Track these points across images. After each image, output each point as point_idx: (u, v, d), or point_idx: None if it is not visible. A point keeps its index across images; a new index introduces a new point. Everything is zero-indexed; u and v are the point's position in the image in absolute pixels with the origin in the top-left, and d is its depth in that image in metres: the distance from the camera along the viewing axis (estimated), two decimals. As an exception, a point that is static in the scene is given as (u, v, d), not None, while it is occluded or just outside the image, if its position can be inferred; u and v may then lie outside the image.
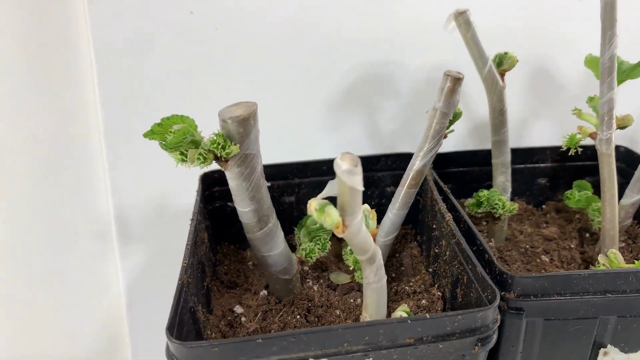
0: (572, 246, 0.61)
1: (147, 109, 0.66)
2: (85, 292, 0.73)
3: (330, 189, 0.36)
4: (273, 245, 0.51)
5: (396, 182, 0.54)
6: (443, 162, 0.65)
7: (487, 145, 0.61)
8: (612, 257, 0.50)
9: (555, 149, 0.66)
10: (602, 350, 0.47)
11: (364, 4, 0.66)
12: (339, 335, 0.38)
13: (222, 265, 0.60)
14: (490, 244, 0.59)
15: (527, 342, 0.47)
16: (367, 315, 0.45)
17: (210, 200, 0.61)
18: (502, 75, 0.55)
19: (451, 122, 0.51)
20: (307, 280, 0.58)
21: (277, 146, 0.67)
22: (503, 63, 0.54)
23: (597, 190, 0.59)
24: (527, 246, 0.60)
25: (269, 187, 0.49)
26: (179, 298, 0.42)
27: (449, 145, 0.69)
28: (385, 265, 0.57)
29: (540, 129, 0.72)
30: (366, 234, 0.38)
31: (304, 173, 0.61)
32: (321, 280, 0.58)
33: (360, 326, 0.38)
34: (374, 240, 0.41)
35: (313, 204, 0.35)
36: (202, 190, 0.58)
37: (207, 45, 0.65)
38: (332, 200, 0.36)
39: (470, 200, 0.58)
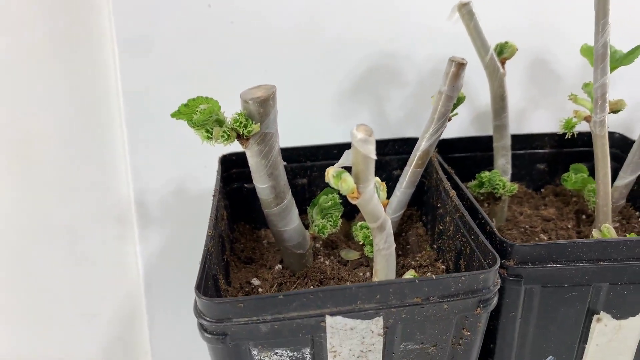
0: (569, 226, 0.64)
1: (166, 96, 0.70)
2: (106, 273, 0.77)
3: (345, 159, 0.39)
4: (289, 220, 0.55)
5: (402, 166, 0.58)
6: (447, 148, 0.69)
7: (489, 132, 0.65)
8: (605, 231, 0.53)
9: (553, 136, 0.70)
10: (595, 317, 0.50)
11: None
12: (352, 293, 0.42)
13: (238, 243, 0.64)
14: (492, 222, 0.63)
15: (526, 309, 0.50)
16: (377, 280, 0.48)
17: (229, 181, 0.64)
18: (503, 63, 0.58)
19: (455, 106, 0.55)
20: (319, 256, 0.62)
21: (292, 133, 0.71)
22: (504, 52, 0.58)
23: (592, 173, 0.62)
24: (527, 226, 0.64)
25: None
26: (204, 263, 0.46)
27: (452, 132, 0.73)
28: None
29: (539, 116, 0.75)
30: (377, 202, 0.42)
31: (315, 156, 0.65)
32: (332, 257, 0.62)
33: (372, 285, 0.42)
34: (385, 210, 0.45)
35: (330, 172, 0.39)
36: (222, 172, 0.62)
37: (223, 38, 0.69)
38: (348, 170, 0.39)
39: (472, 182, 0.62)
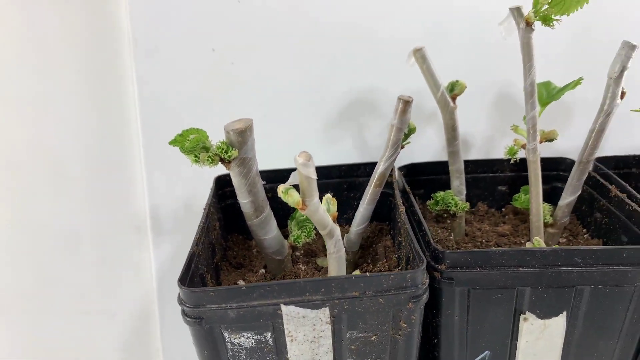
0: (522, 241, 0.72)
1: (177, 123, 0.82)
2: (124, 275, 0.89)
3: (293, 179, 0.50)
4: (268, 230, 0.66)
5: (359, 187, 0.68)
6: (417, 171, 0.79)
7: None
8: (536, 243, 0.62)
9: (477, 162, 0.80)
10: (522, 317, 0.59)
11: (355, 43, 0.80)
12: (302, 286, 0.52)
13: (232, 251, 0.75)
14: (451, 237, 0.72)
15: (461, 308, 0.59)
16: (332, 281, 0.58)
17: (224, 198, 0.76)
18: (454, 98, 0.68)
19: (407, 136, 0.65)
20: (298, 263, 0.72)
21: (283, 156, 0.82)
22: (455, 89, 0.68)
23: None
24: (483, 240, 0.72)
25: (267, 188, 0.64)
26: (189, 262, 0.57)
27: (425, 157, 0.83)
28: (363, 254, 0.71)
29: (505, 143, 0.84)
30: (324, 213, 0.52)
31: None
32: (309, 264, 0.72)
33: (317, 280, 0.52)
34: (335, 221, 0.55)
35: (280, 188, 0.49)
36: (216, 190, 0.73)
37: (225, 77, 0.81)
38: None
39: (430, 201, 0.71)
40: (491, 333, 0.60)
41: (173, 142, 0.59)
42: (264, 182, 0.64)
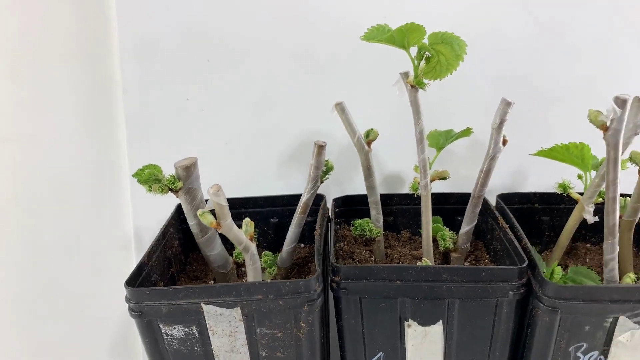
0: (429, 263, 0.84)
1: (159, 157, 0.99)
2: (113, 285, 1.05)
3: (209, 204, 0.65)
4: (213, 247, 0.81)
5: (313, 213, 0.83)
6: (352, 202, 0.92)
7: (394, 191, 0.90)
8: (424, 263, 0.74)
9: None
10: (406, 323, 0.71)
11: (303, 98, 0.96)
12: (217, 290, 0.66)
13: (191, 266, 0.90)
14: (371, 258, 0.85)
15: (356, 314, 0.71)
16: (253, 289, 0.72)
17: (184, 221, 0.91)
18: (369, 143, 0.82)
19: (325, 173, 0.79)
20: (244, 277, 0.86)
21: (247, 187, 0.98)
22: (369, 135, 0.82)
23: (445, 223, 0.84)
24: (399, 261, 0.85)
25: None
26: (139, 270, 0.72)
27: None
28: (299, 271, 0.85)
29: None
30: (238, 231, 0.67)
31: (247, 205, 0.91)
32: (253, 278, 0.86)
33: (229, 285, 0.66)
34: (252, 240, 0.70)
35: (198, 212, 0.65)
36: (178, 214, 0.89)
37: (199, 121, 0.99)
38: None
39: (352, 227, 0.85)
40: (383, 336, 0.73)
41: (135, 175, 0.76)
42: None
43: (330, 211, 0.93)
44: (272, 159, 1.00)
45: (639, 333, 0.66)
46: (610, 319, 0.66)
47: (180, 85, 0.97)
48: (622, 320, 0.65)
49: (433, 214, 0.89)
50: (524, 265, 0.67)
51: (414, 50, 0.69)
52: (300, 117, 0.98)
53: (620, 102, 0.61)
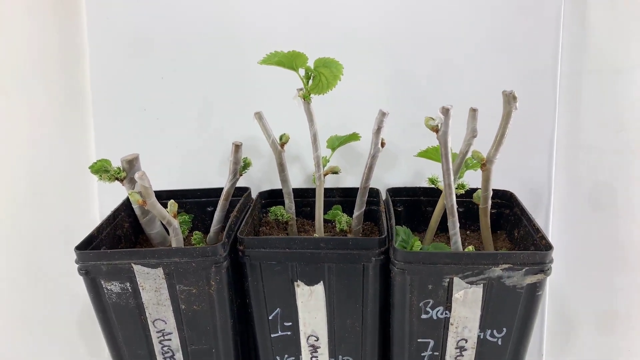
0: (336, 244, 1.03)
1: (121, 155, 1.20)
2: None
3: (138, 186, 0.85)
4: (153, 227, 1.01)
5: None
6: (276, 195, 1.12)
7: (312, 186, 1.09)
8: (315, 235, 0.93)
9: (341, 190, 1.11)
10: (295, 284, 0.90)
11: (240, 105, 1.17)
12: (144, 253, 0.85)
13: (141, 245, 1.10)
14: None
15: (257, 277, 0.90)
16: (178, 257, 0.92)
17: (138, 208, 1.11)
18: (282, 145, 1.02)
19: (243, 168, 0.99)
20: (182, 254, 1.06)
21: (192, 182, 1.18)
22: (282, 138, 1.02)
23: (345, 210, 1.04)
24: (308, 242, 1.04)
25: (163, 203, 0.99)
26: (88, 240, 0.92)
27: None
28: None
29: (350, 178, 1.17)
30: (160, 209, 0.86)
31: (187, 196, 1.11)
32: (189, 254, 1.06)
33: (153, 250, 0.85)
34: (175, 216, 0.89)
35: (129, 192, 0.84)
36: (129, 202, 1.09)
37: (154, 128, 1.19)
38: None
39: (270, 214, 1.05)
40: (279, 295, 0.91)
41: (90, 167, 0.96)
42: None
43: (257, 202, 1.12)
44: (215, 159, 1.20)
45: (471, 291, 0.84)
46: (448, 280, 0.84)
47: (139, 98, 1.18)
48: (457, 280, 0.84)
49: (338, 204, 1.09)
50: (383, 236, 0.87)
51: (302, 71, 0.89)
52: (238, 123, 1.18)
53: (445, 111, 0.80)
